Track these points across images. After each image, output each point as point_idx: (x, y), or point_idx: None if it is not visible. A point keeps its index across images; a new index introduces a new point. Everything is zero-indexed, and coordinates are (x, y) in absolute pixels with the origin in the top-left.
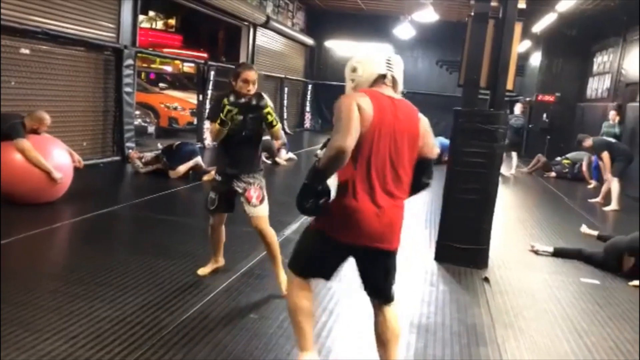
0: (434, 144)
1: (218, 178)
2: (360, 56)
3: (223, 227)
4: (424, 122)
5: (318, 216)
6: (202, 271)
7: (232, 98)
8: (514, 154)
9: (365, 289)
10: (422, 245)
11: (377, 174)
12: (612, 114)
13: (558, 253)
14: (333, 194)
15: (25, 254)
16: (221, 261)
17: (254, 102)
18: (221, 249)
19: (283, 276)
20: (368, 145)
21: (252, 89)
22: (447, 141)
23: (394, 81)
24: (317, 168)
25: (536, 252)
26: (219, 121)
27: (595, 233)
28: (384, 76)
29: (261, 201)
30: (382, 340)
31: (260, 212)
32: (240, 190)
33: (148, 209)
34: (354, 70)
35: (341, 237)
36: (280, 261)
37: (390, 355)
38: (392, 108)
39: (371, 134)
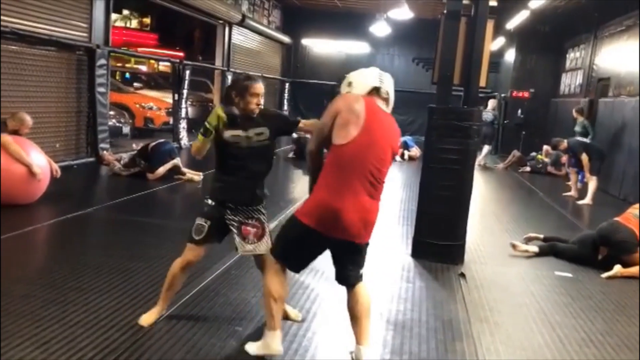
0: None
1: (210, 202)
2: (355, 72)
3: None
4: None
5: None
6: (146, 321)
7: (228, 108)
8: (485, 147)
9: (338, 278)
10: (399, 242)
11: (363, 177)
12: (575, 113)
13: (541, 253)
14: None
15: None
16: (166, 306)
17: (260, 116)
18: (172, 296)
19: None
20: (357, 149)
21: (261, 104)
22: (409, 138)
23: (388, 96)
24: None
25: (521, 251)
26: (201, 130)
27: (541, 236)
28: (377, 89)
29: (260, 237)
30: (354, 315)
31: (259, 249)
32: (234, 224)
33: (123, 210)
34: (349, 85)
35: (324, 232)
36: None
37: (362, 329)
38: (382, 117)
39: (361, 137)
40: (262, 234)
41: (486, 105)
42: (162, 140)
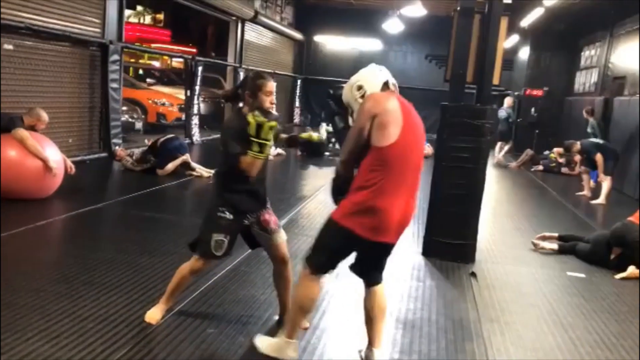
0: None
1: (228, 216)
2: (358, 76)
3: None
4: None
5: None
6: (152, 317)
7: (259, 114)
8: (499, 145)
9: (362, 273)
10: (410, 241)
11: (406, 177)
12: (585, 114)
13: (561, 250)
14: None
15: (10, 252)
16: (171, 304)
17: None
18: (178, 295)
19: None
20: (401, 149)
21: (274, 102)
22: None
23: (395, 88)
24: (336, 173)
25: (540, 249)
26: (256, 148)
27: (556, 234)
28: (386, 83)
29: (278, 225)
30: (371, 316)
31: (283, 235)
32: (252, 221)
33: (134, 206)
34: (359, 88)
35: (369, 236)
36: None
37: (376, 331)
38: (414, 113)
39: (403, 137)
40: (278, 222)
41: (502, 103)
42: (171, 135)
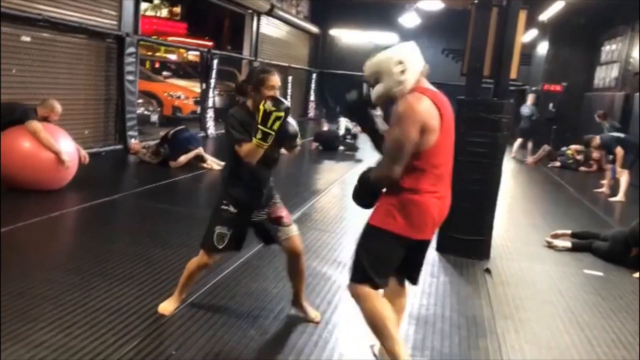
0: None
1: (232, 209)
2: (398, 51)
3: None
4: None
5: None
6: (165, 309)
7: (270, 103)
8: (519, 141)
9: (403, 274)
10: None
11: (445, 174)
12: (597, 119)
13: (575, 248)
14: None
15: (25, 242)
16: (184, 296)
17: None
18: (190, 287)
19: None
20: (442, 148)
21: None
22: None
23: (426, 70)
24: (369, 178)
25: (553, 248)
26: (259, 135)
27: (569, 232)
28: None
29: (291, 219)
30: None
31: (296, 229)
32: (264, 217)
33: (148, 198)
34: (399, 63)
35: (418, 235)
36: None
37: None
38: (448, 106)
39: (442, 136)
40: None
41: (522, 99)
42: (181, 127)
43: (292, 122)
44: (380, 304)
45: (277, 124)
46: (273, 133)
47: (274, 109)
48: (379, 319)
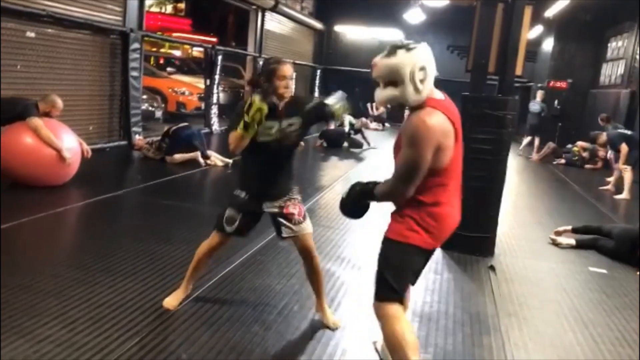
0: None
1: (243, 196)
2: (422, 54)
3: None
4: None
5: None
6: (170, 303)
7: (262, 97)
8: (528, 139)
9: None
10: None
11: (457, 184)
12: (601, 122)
13: (580, 245)
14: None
15: (29, 238)
16: (190, 289)
17: (292, 105)
18: (196, 279)
19: (327, 308)
20: (456, 161)
21: (291, 88)
22: None
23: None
24: (373, 191)
25: (557, 245)
26: (242, 124)
27: (570, 227)
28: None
29: (304, 217)
30: None
31: (307, 228)
32: (275, 211)
33: (152, 193)
34: (422, 69)
35: (437, 245)
36: (324, 289)
37: None
38: (457, 113)
39: (456, 149)
40: (304, 213)
41: (529, 96)
42: (183, 124)
43: (336, 100)
44: (404, 329)
45: (258, 115)
46: (251, 124)
47: (257, 100)
48: (400, 347)
